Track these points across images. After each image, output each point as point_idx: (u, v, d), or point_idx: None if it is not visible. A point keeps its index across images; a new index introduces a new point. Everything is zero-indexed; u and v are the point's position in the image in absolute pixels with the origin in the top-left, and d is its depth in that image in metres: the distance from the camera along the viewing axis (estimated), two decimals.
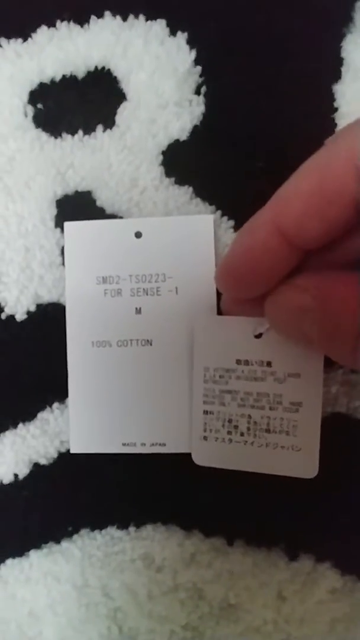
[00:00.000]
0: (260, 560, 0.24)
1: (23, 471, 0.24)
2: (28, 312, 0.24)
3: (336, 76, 0.25)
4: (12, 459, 0.24)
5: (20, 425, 0.24)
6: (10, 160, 0.25)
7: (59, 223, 0.24)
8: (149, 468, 0.24)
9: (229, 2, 0.25)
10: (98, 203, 0.25)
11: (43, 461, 0.24)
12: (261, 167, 0.24)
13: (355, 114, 0.23)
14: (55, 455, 0.24)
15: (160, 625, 0.25)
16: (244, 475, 0.23)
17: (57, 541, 0.25)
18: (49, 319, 0.24)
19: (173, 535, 0.24)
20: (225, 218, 0.24)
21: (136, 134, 0.25)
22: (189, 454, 0.23)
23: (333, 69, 0.25)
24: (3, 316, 0.24)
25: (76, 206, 0.24)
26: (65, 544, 0.24)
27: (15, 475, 0.24)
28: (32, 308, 0.24)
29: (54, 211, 0.24)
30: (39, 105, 0.25)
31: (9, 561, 0.24)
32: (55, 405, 0.24)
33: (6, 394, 0.25)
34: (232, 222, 0.24)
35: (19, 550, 0.24)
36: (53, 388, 0.24)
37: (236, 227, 0.24)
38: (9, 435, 0.24)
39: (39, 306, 0.24)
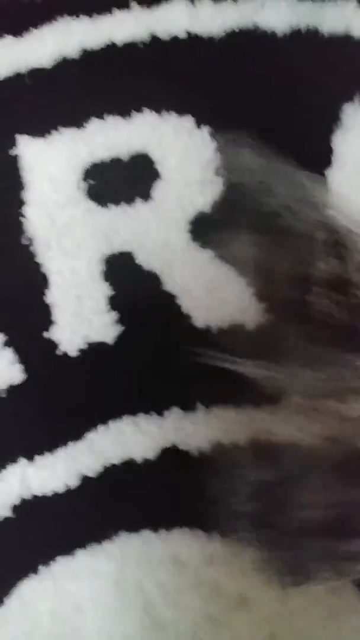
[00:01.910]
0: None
1: (74, 483, 0.29)
2: (79, 350, 0.30)
3: (327, 162, 0.30)
4: (64, 472, 0.29)
5: (71, 443, 0.29)
6: (66, 226, 0.30)
7: (106, 277, 0.30)
8: (176, 479, 0.29)
9: (243, 101, 0.31)
10: (137, 261, 0.30)
11: (90, 474, 0.29)
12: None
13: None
14: (100, 469, 0.29)
15: (185, 616, 0.29)
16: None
17: (99, 542, 0.29)
18: (96, 356, 0.30)
19: (196, 538, 0.29)
20: None
21: (168, 207, 0.30)
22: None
23: (326, 157, 0.30)
24: (59, 352, 0.30)
25: (119, 264, 0.30)
26: (106, 544, 0.29)
27: (67, 486, 0.29)
28: (83, 346, 0.30)
29: (102, 267, 0.30)
30: (90, 181, 0.31)
31: (59, 558, 0.29)
32: (100, 427, 0.29)
33: (60, 417, 0.29)
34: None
35: (67, 549, 0.29)
36: (99, 412, 0.29)
37: None
38: (61, 452, 0.29)
39: (89, 345, 0.30)
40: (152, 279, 0.30)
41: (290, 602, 0.29)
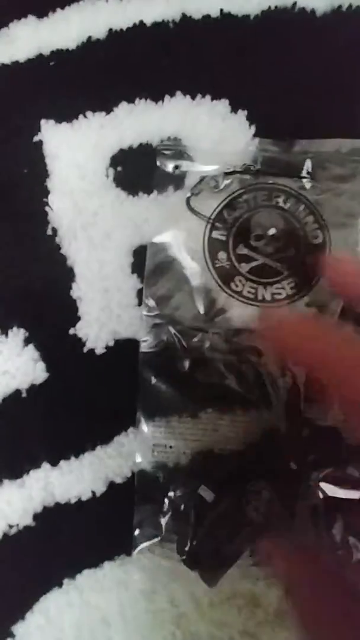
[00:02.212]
0: None
1: (100, 489, 0.27)
2: (106, 347, 0.28)
3: None
4: (90, 477, 0.27)
5: (98, 447, 0.27)
6: (94, 215, 0.29)
7: (135, 269, 0.28)
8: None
9: (281, 85, 0.30)
10: (169, 252, 0.28)
11: (118, 480, 0.27)
12: None
13: None
14: (129, 474, 0.27)
15: (219, 630, 0.27)
16: None
17: (129, 553, 0.27)
18: (125, 353, 0.28)
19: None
20: None
21: (202, 195, 0.29)
22: None
23: None
24: (85, 349, 0.28)
25: None
26: (136, 555, 0.27)
27: (93, 493, 0.27)
28: (111, 343, 0.28)
29: (131, 259, 0.28)
30: (119, 168, 0.29)
31: (85, 571, 0.27)
32: (130, 429, 0.28)
33: (86, 419, 0.28)
34: None
35: (95, 561, 0.27)
36: (128, 414, 0.28)
37: None
38: (88, 456, 0.28)
39: (116, 342, 0.28)
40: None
41: None
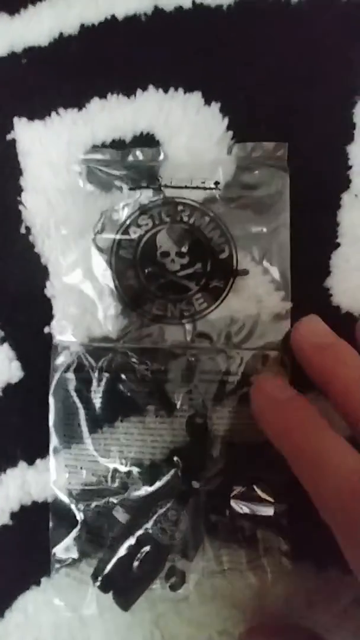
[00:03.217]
0: (290, 572, 0.27)
1: (77, 489, 0.27)
2: (81, 345, 0.27)
3: (349, 138, 0.28)
4: (67, 477, 0.27)
5: (75, 445, 0.27)
6: (67, 212, 0.28)
7: (111, 266, 0.28)
8: None
9: (256, 77, 0.29)
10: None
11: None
12: None
13: None
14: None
15: (199, 630, 0.27)
16: None
17: None
18: (101, 351, 0.28)
19: (211, 549, 0.27)
20: None
21: (176, 190, 0.28)
22: None
23: (346, 132, 0.28)
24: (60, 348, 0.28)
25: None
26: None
27: (70, 492, 0.27)
28: (85, 341, 0.28)
29: (105, 256, 0.27)
30: (92, 165, 0.29)
31: (63, 570, 0.27)
32: (105, 427, 0.27)
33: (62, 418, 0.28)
34: None
35: (73, 559, 0.27)
36: (105, 413, 0.28)
37: None
38: (64, 454, 0.27)
39: (91, 340, 0.28)
40: None
41: (315, 616, 0.27)
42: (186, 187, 0.27)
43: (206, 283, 0.26)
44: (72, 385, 0.26)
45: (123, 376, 0.26)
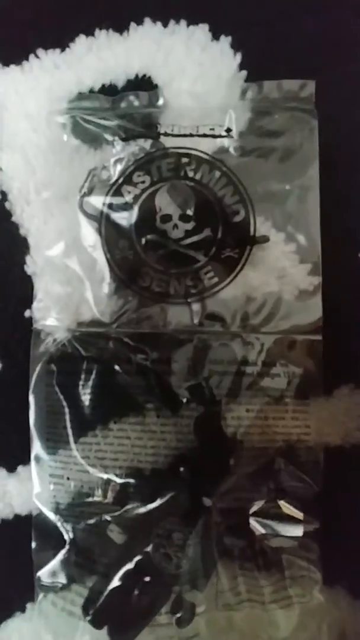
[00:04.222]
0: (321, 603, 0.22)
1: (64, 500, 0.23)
2: (68, 330, 0.23)
3: None
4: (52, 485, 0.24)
5: (61, 451, 0.23)
6: (49, 174, 0.24)
7: (101, 235, 0.23)
8: None
9: (272, 4, 0.24)
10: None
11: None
12: None
13: None
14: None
15: None
16: None
17: None
18: (90, 338, 0.24)
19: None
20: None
21: (179, 142, 0.24)
22: None
23: None
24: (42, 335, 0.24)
25: None
26: None
27: (56, 504, 0.23)
28: (72, 326, 0.23)
29: (95, 224, 0.23)
30: (78, 116, 0.24)
31: (49, 597, 0.23)
32: (99, 430, 0.23)
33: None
34: None
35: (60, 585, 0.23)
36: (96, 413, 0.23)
37: None
38: (48, 460, 0.24)
39: (79, 324, 0.23)
40: None
41: None
42: (191, 136, 0.22)
43: (217, 253, 0.22)
44: (56, 380, 0.22)
45: (117, 367, 0.22)
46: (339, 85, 0.24)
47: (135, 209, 0.22)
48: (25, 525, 0.23)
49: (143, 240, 0.22)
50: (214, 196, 0.22)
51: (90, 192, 0.22)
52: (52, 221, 0.24)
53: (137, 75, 0.24)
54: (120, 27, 0.24)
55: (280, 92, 0.23)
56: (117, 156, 0.22)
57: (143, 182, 0.22)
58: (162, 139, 0.22)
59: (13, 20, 0.25)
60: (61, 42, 0.24)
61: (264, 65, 0.24)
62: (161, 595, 0.20)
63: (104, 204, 0.22)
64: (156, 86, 0.24)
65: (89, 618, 0.20)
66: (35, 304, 0.23)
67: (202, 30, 0.24)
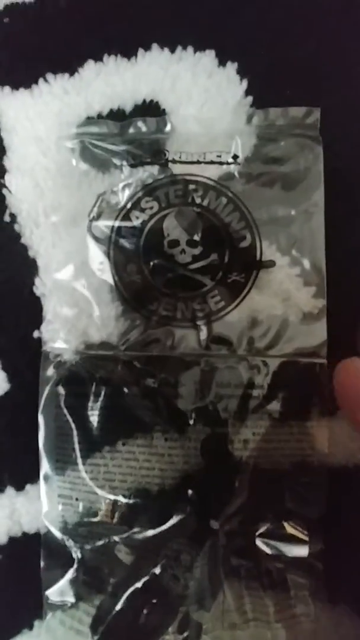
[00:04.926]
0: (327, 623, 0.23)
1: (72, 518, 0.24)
2: (76, 352, 0.23)
3: None
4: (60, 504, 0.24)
5: (69, 471, 0.24)
6: (59, 198, 0.24)
7: (110, 259, 0.24)
8: None
9: (278, 31, 0.25)
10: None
11: None
12: None
13: None
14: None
15: None
16: None
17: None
18: (98, 359, 0.24)
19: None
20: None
21: (186, 166, 0.24)
22: None
23: None
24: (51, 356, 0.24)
25: None
26: None
27: (65, 522, 0.24)
28: (81, 347, 0.24)
29: (104, 247, 0.23)
30: (87, 141, 0.25)
31: (57, 615, 0.23)
32: (107, 451, 0.24)
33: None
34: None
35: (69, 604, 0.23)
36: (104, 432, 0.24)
37: None
38: (57, 479, 0.24)
39: (87, 346, 0.24)
40: None
41: None
42: (198, 163, 0.23)
43: (223, 277, 0.22)
44: (64, 401, 0.22)
45: (125, 390, 0.22)
46: (344, 109, 0.24)
47: (144, 233, 0.22)
48: (33, 544, 0.24)
49: (151, 264, 0.22)
50: (221, 222, 0.22)
51: (98, 216, 0.23)
52: (60, 244, 0.24)
53: (144, 101, 0.25)
54: (129, 53, 0.25)
55: (286, 119, 0.23)
56: (125, 181, 0.23)
57: (151, 207, 0.23)
58: (170, 165, 0.23)
59: (23, 45, 0.25)
60: (71, 67, 0.25)
61: (270, 90, 0.24)
62: (168, 615, 0.20)
63: (112, 229, 0.23)
64: (164, 111, 0.24)
65: (97, 637, 0.20)
66: (44, 326, 0.23)
67: (208, 57, 0.24)
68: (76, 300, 0.23)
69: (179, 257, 0.22)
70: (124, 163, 0.23)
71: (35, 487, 0.24)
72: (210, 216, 0.22)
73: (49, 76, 0.25)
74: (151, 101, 0.24)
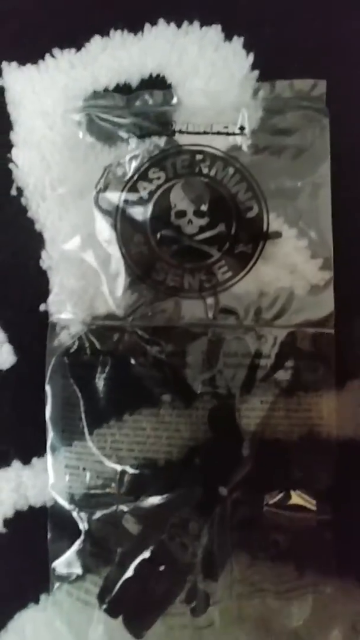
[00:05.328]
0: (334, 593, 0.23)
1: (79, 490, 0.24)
2: (83, 323, 0.24)
3: None
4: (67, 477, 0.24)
5: (76, 442, 0.24)
6: (64, 169, 0.24)
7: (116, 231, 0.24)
8: None
9: (283, 5, 0.25)
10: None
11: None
12: None
13: None
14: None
15: None
16: None
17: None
18: (105, 331, 0.24)
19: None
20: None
21: (193, 137, 0.24)
22: None
23: None
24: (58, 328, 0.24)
25: None
26: None
27: (71, 495, 0.24)
28: (87, 320, 0.24)
29: (111, 220, 0.23)
30: (93, 113, 0.25)
31: (64, 587, 0.23)
32: (113, 422, 0.24)
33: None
34: None
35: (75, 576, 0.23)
36: (111, 404, 0.24)
37: None
38: (64, 452, 0.24)
39: (94, 318, 0.24)
40: None
41: None
42: (205, 133, 0.23)
43: (230, 248, 0.22)
44: (71, 372, 0.22)
45: (132, 360, 0.22)
46: (350, 84, 0.24)
47: (150, 204, 0.22)
48: (39, 517, 0.24)
49: (158, 235, 0.22)
50: (228, 192, 0.22)
51: (105, 188, 0.23)
52: (67, 216, 0.24)
53: (151, 75, 0.25)
54: (135, 28, 0.25)
55: (292, 92, 0.23)
56: (132, 153, 0.23)
57: (158, 178, 0.23)
58: (177, 136, 0.23)
59: (29, 20, 0.25)
60: (77, 42, 0.25)
61: (276, 64, 0.24)
62: (176, 584, 0.20)
63: (119, 200, 0.23)
64: (170, 85, 0.24)
65: (104, 607, 0.20)
66: (51, 298, 0.23)
67: (214, 31, 0.24)
68: (83, 272, 0.23)
69: (186, 227, 0.22)
70: (131, 135, 0.23)
71: (42, 460, 0.24)
72: (218, 187, 0.22)
73: (55, 51, 0.25)
74: (158, 75, 0.24)
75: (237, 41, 0.24)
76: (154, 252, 0.22)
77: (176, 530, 0.20)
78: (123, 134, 0.23)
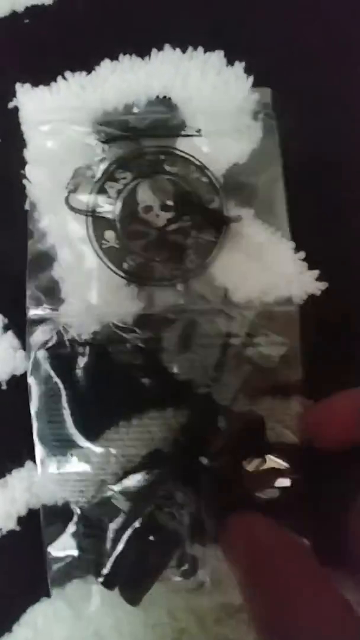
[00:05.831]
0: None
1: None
2: (93, 332, 0.25)
3: None
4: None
5: (87, 444, 0.25)
6: (76, 186, 0.26)
7: None
8: None
9: (284, 32, 0.26)
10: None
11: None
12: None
13: None
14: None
15: (220, 621, 0.24)
16: None
17: None
18: (115, 339, 0.25)
19: None
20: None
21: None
22: None
23: None
24: (67, 336, 0.25)
25: None
26: None
27: (81, 491, 0.25)
28: (97, 328, 0.25)
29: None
30: (102, 136, 0.26)
31: (76, 580, 0.25)
32: (121, 424, 0.25)
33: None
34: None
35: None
36: (119, 408, 0.25)
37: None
38: (75, 453, 0.25)
39: (103, 326, 0.25)
40: None
41: None
42: (166, 136, 0.25)
43: (196, 237, 0.24)
44: (52, 364, 0.24)
45: (110, 349, 0.23)
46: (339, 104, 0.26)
47: (119, 202, 0.24)
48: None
49: (128, 230, 0.24)
50: (191, 186, 0.25)
51: (75, 189, 0.25)
52: (77, 230, 0.26)
53: (157, 97, 0.26)
54: (142, 52, 0.26)
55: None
56: (99, 157, 0.25)
57: (124, 178, 0.24)
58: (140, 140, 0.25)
59: (43, 45, 0.27)
60: (88, 65, 0.26)
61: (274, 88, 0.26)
62: (167, 552, 0.22)
63: (89, 200, 0.24)
64: (176, 106, 0.26)
65: (100, 580, 0.22)
66: (28, 294, 0.25)
67: (217, 56, 0.26)
68: (57, 268, 0.24)
69: (154, 221, 0.24)
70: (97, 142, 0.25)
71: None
72: (181, 182, 0.25)
73: (67, 74, 0.26)
74: (164, 97, 0.26)
75: (239, 66, 0.26)
76: (125, 247, 0.24)
77: (164, 501, 0.22)
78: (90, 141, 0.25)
